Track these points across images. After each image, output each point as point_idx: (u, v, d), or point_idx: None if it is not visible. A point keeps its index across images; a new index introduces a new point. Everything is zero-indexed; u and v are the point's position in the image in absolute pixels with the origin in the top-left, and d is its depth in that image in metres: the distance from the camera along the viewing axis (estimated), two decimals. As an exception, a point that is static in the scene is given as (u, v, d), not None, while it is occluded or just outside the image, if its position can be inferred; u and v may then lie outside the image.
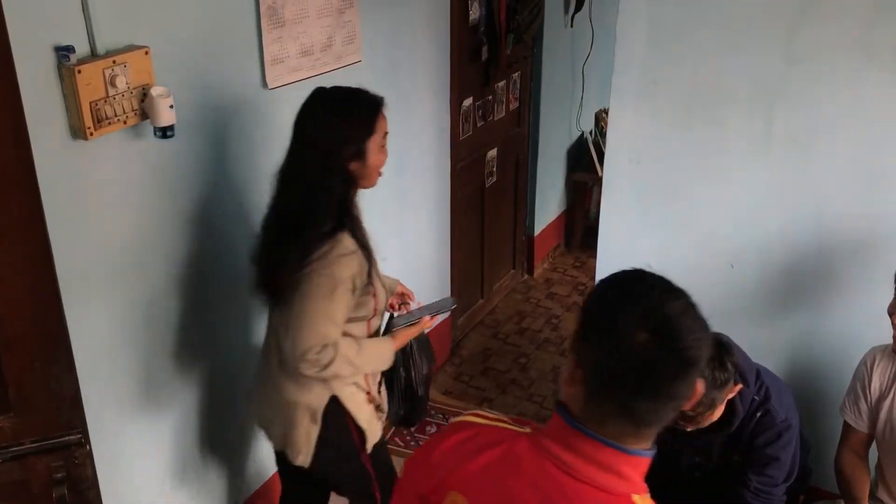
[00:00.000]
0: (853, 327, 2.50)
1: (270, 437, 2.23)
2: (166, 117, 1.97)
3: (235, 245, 2.43)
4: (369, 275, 2.04)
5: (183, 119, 2.06)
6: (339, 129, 1.97)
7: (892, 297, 2.09)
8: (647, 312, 1.10)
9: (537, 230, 4.73)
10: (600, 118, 4.83)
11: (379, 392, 2.26)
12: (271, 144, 2.48)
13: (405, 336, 2.22)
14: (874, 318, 2.16)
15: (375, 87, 2.93)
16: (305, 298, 1.95)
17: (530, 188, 4.55)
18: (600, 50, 4.43)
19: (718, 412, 2.08)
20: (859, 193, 2.42)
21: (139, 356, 2.20)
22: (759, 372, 2.19)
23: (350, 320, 2.04)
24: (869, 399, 2.22)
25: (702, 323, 1.12)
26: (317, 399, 2.10)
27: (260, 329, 2.60)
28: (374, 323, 2.17)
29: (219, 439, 2.56)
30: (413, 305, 2.36)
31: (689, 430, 2.10)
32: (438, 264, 3.65)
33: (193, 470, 2.51)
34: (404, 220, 3.33)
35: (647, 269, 1.16)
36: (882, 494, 2.28)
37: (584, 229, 4.96)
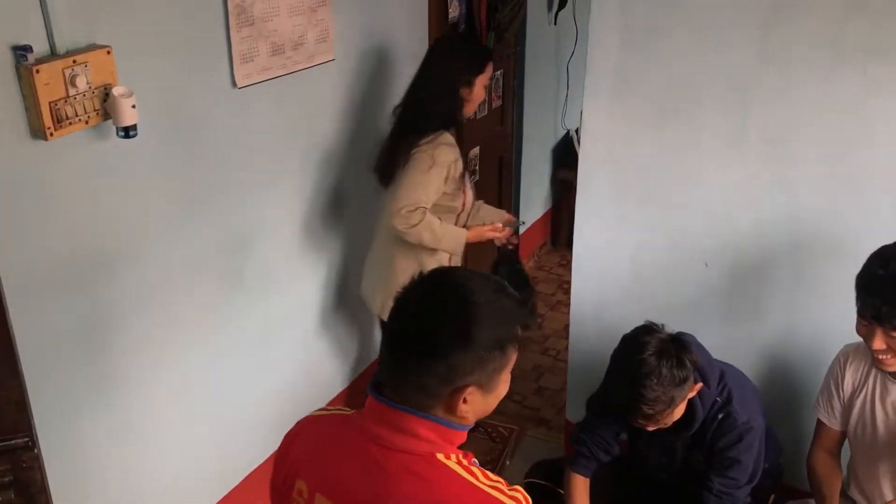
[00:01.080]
0: (827, 326, 2.48)
1: (373, 305, 2.83)
2: (129, 117, 1.96)
3: (201, 245, 2.42)
4: (462, 175, 2.67)
5: (148, 119, 2.05)
6: (459, 61, 2.67)
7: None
8: (425, 281, 1.24)
9: (522, 228, 4.71)
10: (586, 116, 4.81)
11: None
12: (241, 143, 2.47)
13: (478, 232, 2.78)
14: (848, 317, 2.13)
15: (350, 86, 2.95)
16: (409, 170, 2.57)
17: (514, 186, 4.54)
18: (585, 47, 4.40)
19: (679, 411, 2.07)
20: (833, 192, 2.40)
21: (101, 360, 2.18)
22: (724, 373, 2.18)
23: (444, 210, 2.67)
24: (842, 397, 2.21)
25: (481, 296, 1.21)
26: (413, 265, 2.63)
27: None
28: (462, 219, 2.79)
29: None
30: None
31: (650, 429, 2.09)
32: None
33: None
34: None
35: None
36: (854, 493, 2.28)
37: (570, 227, 4.94)
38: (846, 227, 2.41)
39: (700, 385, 2.08)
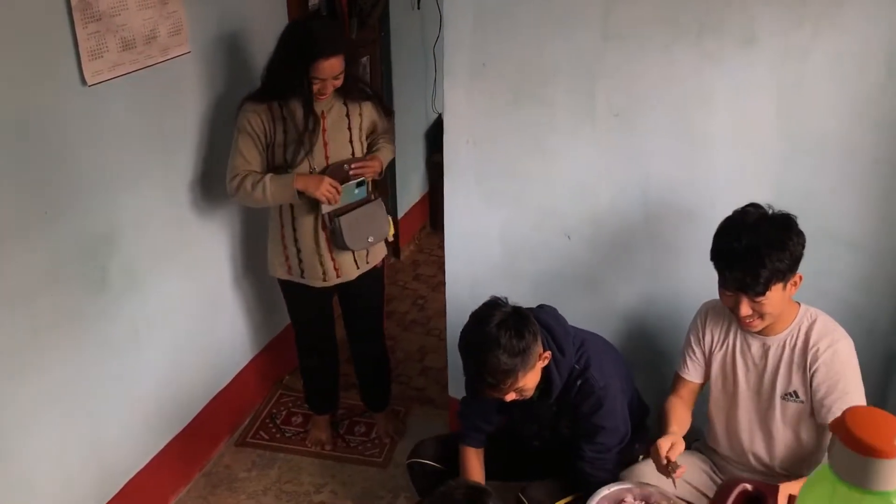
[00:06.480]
0: (685, 287, 2.62)
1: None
2: (-31, 121, 1.88)
3: (60, 250, 2.34)
4: (301, 142, 2.68)
5: (-7, 122, 1.97)
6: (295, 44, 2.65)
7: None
8: None
9: (401, 213, 4.76)
10: (455, 99, 4.87)
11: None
12: (95, 142, 2.40)
13: (304, 181, 2.72)
14: (703, 277, 2.25)
15: (209, 77, 2.90)
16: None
17: (390, 172, 4.56)
18: (449, 31, 4.47)
19: (529, 381, 2.14)
20: (680, 162, 2.52)
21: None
22: (584, 342, 2.28)
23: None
24: (703, 350, 2.32)
25: None
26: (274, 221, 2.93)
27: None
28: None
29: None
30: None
31: (506, 399, 2.16)
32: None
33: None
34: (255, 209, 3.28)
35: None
36: (713, 443, 2.41)
37: (447, 209, 5.02)
38: (696, 193, 2.53)
39: (548, 354, 2.18)
